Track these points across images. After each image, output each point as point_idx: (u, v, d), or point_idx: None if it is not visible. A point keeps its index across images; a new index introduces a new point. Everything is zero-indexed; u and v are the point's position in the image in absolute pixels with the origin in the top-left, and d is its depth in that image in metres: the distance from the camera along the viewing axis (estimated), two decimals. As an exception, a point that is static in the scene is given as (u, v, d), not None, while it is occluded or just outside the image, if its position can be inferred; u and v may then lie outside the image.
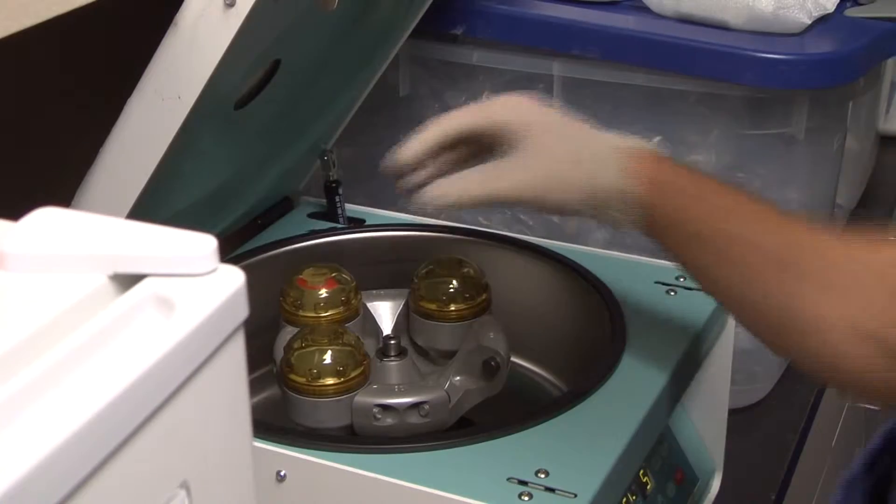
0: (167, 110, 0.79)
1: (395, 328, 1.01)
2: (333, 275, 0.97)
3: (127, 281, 0.48)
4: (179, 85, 0.78)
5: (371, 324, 1.01)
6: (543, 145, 0.79)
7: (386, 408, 0.87)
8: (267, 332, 0.96)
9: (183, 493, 0.46)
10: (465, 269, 0.99)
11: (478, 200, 0.80)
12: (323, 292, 0.96)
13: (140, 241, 0.49)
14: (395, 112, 1.20)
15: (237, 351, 0.49)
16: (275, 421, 0.86)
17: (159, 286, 0.47)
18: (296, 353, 0.88)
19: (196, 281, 0.48)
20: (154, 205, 0.86)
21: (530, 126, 0.79)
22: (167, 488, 0.45)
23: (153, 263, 0.48)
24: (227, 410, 0.49)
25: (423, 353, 1.00)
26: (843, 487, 0.78)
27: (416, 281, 0.99)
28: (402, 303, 1.01)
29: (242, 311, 0.48)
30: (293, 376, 0.88)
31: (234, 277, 0.48)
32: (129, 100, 0.80)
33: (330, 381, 0.87)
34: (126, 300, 0.47)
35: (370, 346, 0.97)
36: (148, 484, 0.44)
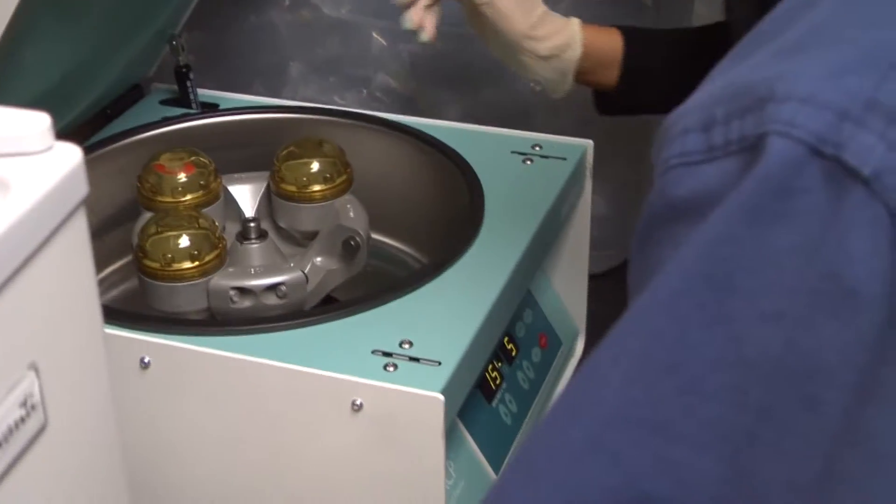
0: (-2, -6, 0.76)
1: (258, 211, 1.00)
2: (192, 159, 0.96)
3: (-42, 164, 0.47)
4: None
5: (232, 207, 1.00)
6: None
7: (242, 290, 0.87)
8: (126, 222, 0.94)
9: (32, 374, 0.45)
10: (326, 150, 0.98)
11: None
12: (181, 177, 0.94)
13: (-31, 123, 0.47)
14: (244, -7, 1.17)
15: (79, 230, 0.48)
16: (139, 310, 0.86)
17: (-8, 167, 0.46)
18: (150, 239, 0.87)
19: (31, 159, 0.46)
20: (-5, 96, 0.83)
21: None
22: (15, 369, 0.45)
23: (-16, 144, 0.47)
24: (72, 291, 0.49)
25: (286, 235, 0.99)
26: None
27: (276, 163, 0.98)
28: (263, 186, 1.01)
29: (82, 189, 0.47)
30: (148, 262, 0.87)
31: (71, 154, 0.47)
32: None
33: (185, 265, 0.87)
34: (-42, 183, 0.45)
35: (232, 230, 0.97)
36: (-7, 366, 0.44)
